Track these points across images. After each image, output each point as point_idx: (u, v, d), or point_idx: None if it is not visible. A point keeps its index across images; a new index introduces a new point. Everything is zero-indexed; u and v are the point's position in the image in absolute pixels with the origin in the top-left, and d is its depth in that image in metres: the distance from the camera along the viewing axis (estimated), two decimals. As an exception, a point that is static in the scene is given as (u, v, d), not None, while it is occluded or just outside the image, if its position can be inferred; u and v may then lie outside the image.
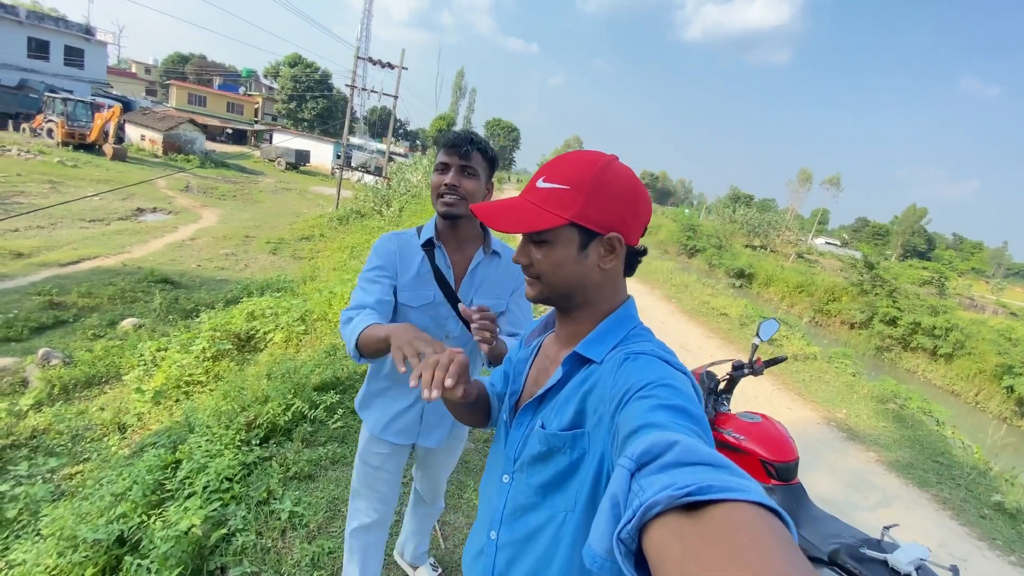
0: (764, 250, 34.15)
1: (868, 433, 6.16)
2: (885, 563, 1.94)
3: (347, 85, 20.08)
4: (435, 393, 0.86)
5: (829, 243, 61.11)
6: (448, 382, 0.87)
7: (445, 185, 1.55)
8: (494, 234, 1.75)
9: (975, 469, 5.51)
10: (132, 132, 27.28)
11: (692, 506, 0.45)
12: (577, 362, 0.92)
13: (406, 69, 19.44)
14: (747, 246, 33.55)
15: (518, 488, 0.98)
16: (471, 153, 1.55)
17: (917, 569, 1.86)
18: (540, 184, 0.88)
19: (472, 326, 1.25)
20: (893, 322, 17.24)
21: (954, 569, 1.88)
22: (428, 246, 1.66)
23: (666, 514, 0.46)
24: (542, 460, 0.91)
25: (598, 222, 0.85)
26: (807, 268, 28.56)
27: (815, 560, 2.17)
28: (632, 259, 0.93)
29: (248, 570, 2.24)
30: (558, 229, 0.86)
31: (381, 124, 60.76)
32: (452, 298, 1.64)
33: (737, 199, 69.53)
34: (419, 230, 1.71)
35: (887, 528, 2.17)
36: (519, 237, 0.94)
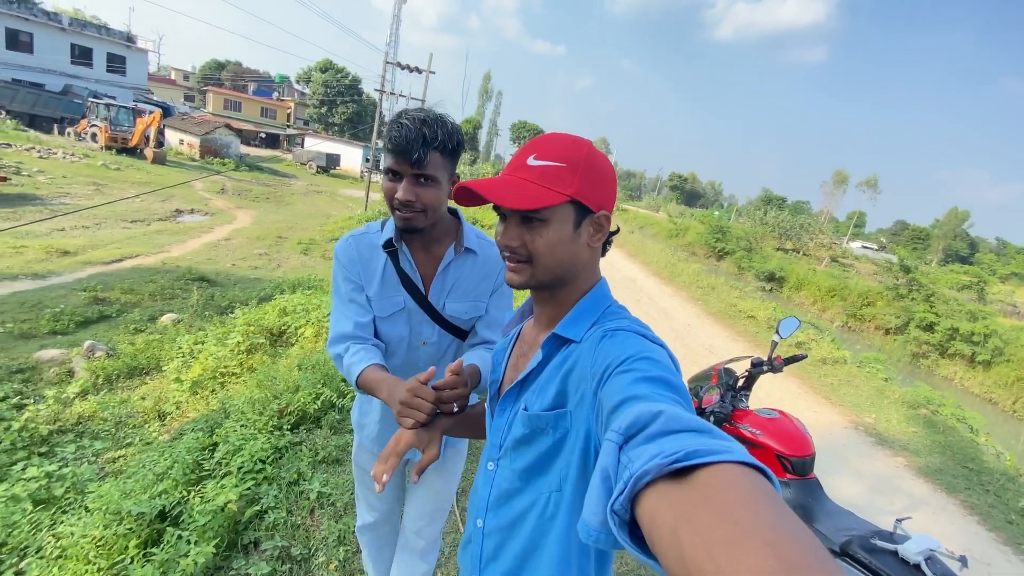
0: (796, 253, 33.43)
1: (897, 438, 6.04)
2: (895, 553, 1.96)
3: (376, 90, 20.37)
4: (377, 487, 1.02)
5: (866, 247, 59.39)
6: (385, 478, 1.03)
7: (398, 199, 1.29)
8: (471, 224, 1.54)
9: (1004, 475, 5.38)
10: (171, 136, 28.32)
11: (680, 472, 0.47)
12: (557, 343, 0.92)
13: (433, 73, 19.64)
14: (778, 249, 32.87)
15: (502, 474, 0.98)
16: (425, 160, 1.26)
17: (927, 559, 1.88)
18: (532, 162, 0.86)
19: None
20: (930, 327, 16.77)
21: (962, 559, 1.90)
22: (389, 246, 1.44)
23: (656, 482, 0.47)
24: (526, 443, 0.92)
25: (592, 199, 0.86)
26: (841, 272, 27.90)
27: (827, 552, 2.19)
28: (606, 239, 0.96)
29: (279, 544, 2.38)
30: (557, 207, 0.84)
31: (410, 127, 60.99)
32: (423, 303, 1.45)
33: (769, 201, 68.13)
34: (384, 223, 1.49)
35: (899, 520, 2.18)
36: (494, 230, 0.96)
